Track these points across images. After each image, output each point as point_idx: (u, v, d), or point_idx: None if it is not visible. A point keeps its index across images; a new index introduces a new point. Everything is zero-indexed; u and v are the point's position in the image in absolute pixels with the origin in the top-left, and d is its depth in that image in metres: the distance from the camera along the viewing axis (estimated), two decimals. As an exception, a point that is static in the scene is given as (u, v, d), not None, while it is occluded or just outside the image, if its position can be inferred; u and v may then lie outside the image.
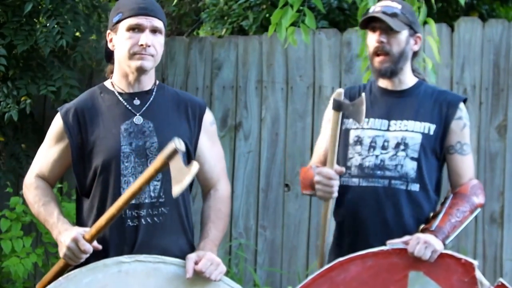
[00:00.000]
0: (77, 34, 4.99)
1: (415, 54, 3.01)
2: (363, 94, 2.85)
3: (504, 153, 4.95)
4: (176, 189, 2.41)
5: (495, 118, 4.96)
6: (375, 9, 2.92)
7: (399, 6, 2.93)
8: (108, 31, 2.70)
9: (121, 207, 2.50)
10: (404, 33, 2.92)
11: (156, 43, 2.64)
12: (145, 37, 2.60)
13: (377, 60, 2.92)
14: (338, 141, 2.85)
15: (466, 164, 2.94)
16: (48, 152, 2.71)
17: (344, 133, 3.00)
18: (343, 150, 2.98)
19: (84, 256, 2.53)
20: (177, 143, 2.42)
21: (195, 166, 2.41)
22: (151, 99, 2.68)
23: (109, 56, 2.75)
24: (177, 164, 2.42)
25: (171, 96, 2.73)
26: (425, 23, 4.00)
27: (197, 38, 5.70)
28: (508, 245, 4.92)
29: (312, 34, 5.11)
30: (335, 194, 2.84)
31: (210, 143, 2.76)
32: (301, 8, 4.04)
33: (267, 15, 5.86)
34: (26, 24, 4.80)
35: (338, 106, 2.84)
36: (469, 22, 5.04)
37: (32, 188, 2.71)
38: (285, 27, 4.01)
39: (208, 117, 2.77)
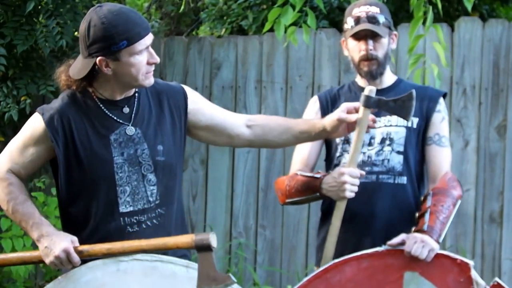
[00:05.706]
0: (77, 34, 5.00)
1: None
2: (413, 90, 2.79)
3: (504, 153, 4.95)
4: None
5: (495, 118, 4.96)
6: (360, 16, 2.94)
7: (378, 10, 2.96)
8: (101, 57, 2.51)
9: (124, 251, 2.49)
10: (386, 37, 2.97)
11: None
12: (154, 54, 2.57)
13: (366, 64, 2.96)
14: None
15: (443, 155, 2.95)
16: (25, 151, 2.61)
17: None
18: (333, 148, 3.02)
19: (70, 267, 2.50)
20: (212, 239, 2.42)
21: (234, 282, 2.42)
22: (135, 104, 2.64)
23: (93, 75, 2.58)
24: (209, 261, 2.42)
25: (149, 90, 2.68)
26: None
27: (196, 38, 5.70)
28: (507, 245, 4.92)
29: (313, 34, 5.11)
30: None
31: (206, 104, 2.77)
32: (303, 8, 4.02)
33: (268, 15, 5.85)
34: (26, 24, 4.79)
35: (373, 104, 2.77)
36: (469, 22, 5.03)
37: (5, 183, 2.59)
38: (283, 25, 4.00)
39: (190, 95, 2.73)
